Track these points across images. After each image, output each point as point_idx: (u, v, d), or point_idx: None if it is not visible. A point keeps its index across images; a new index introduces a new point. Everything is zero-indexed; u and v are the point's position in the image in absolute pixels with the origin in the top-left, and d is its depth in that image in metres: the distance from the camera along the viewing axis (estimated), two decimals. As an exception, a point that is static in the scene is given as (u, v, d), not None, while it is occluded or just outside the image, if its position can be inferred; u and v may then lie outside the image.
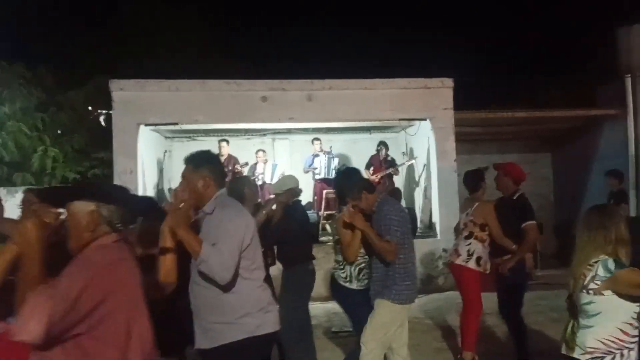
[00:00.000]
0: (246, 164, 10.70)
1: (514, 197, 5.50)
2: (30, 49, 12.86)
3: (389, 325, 4.37)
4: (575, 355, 3.03)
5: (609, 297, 2.94)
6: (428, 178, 10.69)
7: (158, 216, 3.23)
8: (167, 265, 2.90)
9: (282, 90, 9.89)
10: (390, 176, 10.77)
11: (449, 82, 10.20)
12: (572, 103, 11.82)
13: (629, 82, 11.06)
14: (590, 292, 2.97)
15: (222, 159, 10.58)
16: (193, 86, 9.87)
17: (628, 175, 10.50)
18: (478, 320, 5.63)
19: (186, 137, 11.93)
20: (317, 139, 11.08)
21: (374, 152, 11.10)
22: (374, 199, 4.49)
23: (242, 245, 3.15)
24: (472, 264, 5.49)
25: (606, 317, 2.97)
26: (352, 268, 4.53)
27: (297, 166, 11.23)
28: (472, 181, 5.85)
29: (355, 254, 4.42)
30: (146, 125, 10.04)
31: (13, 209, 12.14)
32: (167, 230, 2.93)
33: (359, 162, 11.43)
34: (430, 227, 10.70)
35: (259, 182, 10.73)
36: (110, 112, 9.92)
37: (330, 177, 10.82)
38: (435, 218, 10.36)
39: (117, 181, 9.80)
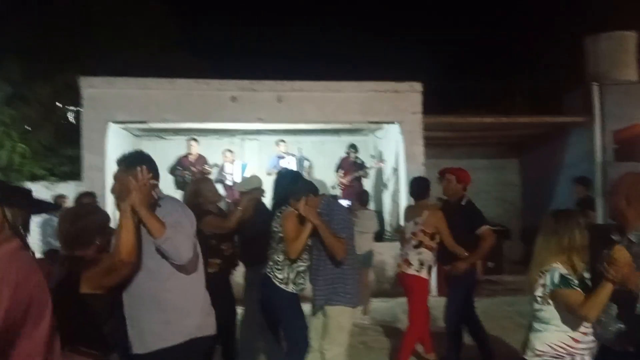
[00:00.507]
0: (215, 165, 10.68)
1: (462, 203, 5.49)
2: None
3: (347, 328, 4.46)
4: (527, 357, 3.13)
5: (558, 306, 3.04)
6: (396, 182, 10.75)
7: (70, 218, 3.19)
8: (129, 244, 2.80)
9: (251, 90, 9.89)
10: (359, 179, 10.81)
11: (418, 86, 10.28)
12: (539, 109, 12.03)
13: (595, 89, 11.27)
14: (539, 299, 3.07)
15: (192, 158, 10.59)
16: (162, 85, 9.83)
17: (595, 183, 10.69)
18: (419, 331, 5.56)
19: (155, 135, 11.85)
20: (282, 140, 11.07)
21: (342, 154, 11.14)
22: (318, 201, 4.47)
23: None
24: (424, 274, 5.43)
25: (556, 324, 3.04)
26: (290, 270, 4.42)
27: (267, 166, 11.22)
28: (419, 189, 5.79)
29: (300, 250, 4.32)
30: (114, 122, 9.97)
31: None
32: (129, 208, 2.87)
33: (328, 164, 11.48)
34: (398, 230, 10.73)
35: (229, 183, 10.72)
36: (79, 109, 9.86)
37: (300, 179, 10.84)
38: (403, 221, 10.39)
39: (85, 178, 9.76)
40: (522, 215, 13.27)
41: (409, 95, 10.24)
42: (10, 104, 11.80)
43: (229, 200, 10.64)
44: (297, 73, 10.26)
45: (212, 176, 10.58)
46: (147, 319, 3.09)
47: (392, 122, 10.44)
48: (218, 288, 4.70)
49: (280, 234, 4.44)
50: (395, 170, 10.76)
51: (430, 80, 10.69)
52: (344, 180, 10.75)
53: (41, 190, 11.30)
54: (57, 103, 11.22)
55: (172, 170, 10.44)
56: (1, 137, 11.50)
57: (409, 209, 6.00)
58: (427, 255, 5.45)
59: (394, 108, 10.19)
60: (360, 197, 8.93)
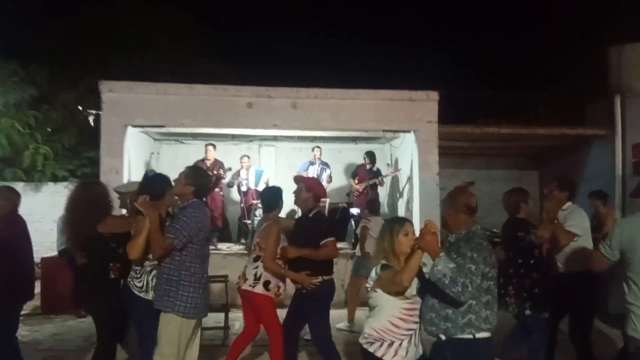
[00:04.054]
0: (229, 169, 10.79)
1: (310, 215, 5.19)
2: (24, 46, 13.07)
3: (177, 340, 4.15)
4: (360, 341, 3.67)
5: (380, 294, 3.55)
6: (410, 190, 10.69)
7: None
8: None
9: (267, 97, 9.93)
10: (374, 186, 10.82)
11: (434, 95, 10.18)
12: (560, 121, 11.78)
13: (618, 102, 11.05)
14: (369, 289, 3.62)
15: (208, 163, 10.72)
16: (180, 90, 9.92)
17: (614, 196, 10.45)
18: (282, 345, 5.20)
19: (174, 140, 12.04)
20: (317, 147, 11.17)
21: (358, 162, 11.16)
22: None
23: None
24: (259, 289, 5.12)
25: (379, 310, 3.57)
26: (150, 277, 4.29)
27: (282, 172, 11.32)
28: (266, 200, 5.50)
29: (138, 251, 4.11)
30: (133, 126, 10.11)
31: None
32: None
33: (345, 171, 11.51)
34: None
35: (244, 188, 10.83)
36: (99, 112, 10.05)
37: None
38: (417, 230, 10.31)
39: (102, 180, 9.92)
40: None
41: (425, 104, 10.15)
42: (36, 107, 12.14)
43: (243, 205, 10.77)
44: (312, 80, 10.27)
45: (226, 180, 10.77)
46: None
47: (408, 131, 10.37)
48: (117, 293, 4.63)
49: None
50: (410, 178, 10.71)
51: (451, 90, 10.61)
52: (358, 187, 10.77)
53: (62, 191, 11.61)
54: (79, 107, 11.46)
55: (189, 175, 10.56)
56: (26, 139, 11.85)
57: (260, 220, 5.65)
58: (264, 269, 5.15)
59: (409, 116, 10.12)
60: (370, 205, 8.90)
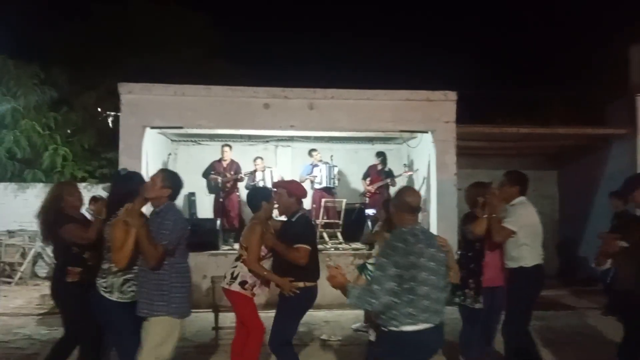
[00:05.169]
0: (249, 172, 10.84)
1: (294, 219, 5.08)
2: (40, 48, 13.22)
3: (167, 340, 4.14)
4: None
5: None
6: (427, 191, 10.63)
7: None
8: None
9: (284, 98, 9.96)
10: (387, 187, 10.79)
11: (452, 95, 10.14)
12: (580, 120, 11.65)
13: (639, 101, 10.92)
14: None
15: (225, 163, 10.78)
16: (198, 91, 9.97)
17: (637, 196, 10.29)
18: (259, 345, 5.18)
19: (191, 141, 12.12)
20: (314, 149, 11.16)
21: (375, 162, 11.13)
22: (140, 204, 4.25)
23: None
24: (235, 287, 5.09)
25: None
26: (116, 278, 4.17)
27: (299, 173, 11.31)
28: (251, 200, 5.40)
29: (126, 258, 4.04)
30: (152, 127, 10.17)
31: (23, 204, 12.40)
32: None
33: (360, 172, 11.48)
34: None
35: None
36: (118, 114, 10.14)
37: (330, 186, 10.91)
38: (434, 231, 10.28)
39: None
40: (560, 228, 12.92)
41: (443, 104, 10.11)
42: (56, 109, 12.30)
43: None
44: (329, 80, 10.26)
45: (243, 183, 10.81)
46: None
47: (425, 131, 10.33)
48: (80, 298, 4.46)
49: (109, 243, 4.19)
50: (427, 179, 10.66)
51: (468, 90, 10.55)
52: (370, 188, 10.76)
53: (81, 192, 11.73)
54: (98, 109, 11.58)
55: (205, 175, 10.66)
56: (45, 140, 12.01)
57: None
58: (242, 269, 5.09)
59: (426, 117, 10.08)
60: (385, 206, 8.86)
